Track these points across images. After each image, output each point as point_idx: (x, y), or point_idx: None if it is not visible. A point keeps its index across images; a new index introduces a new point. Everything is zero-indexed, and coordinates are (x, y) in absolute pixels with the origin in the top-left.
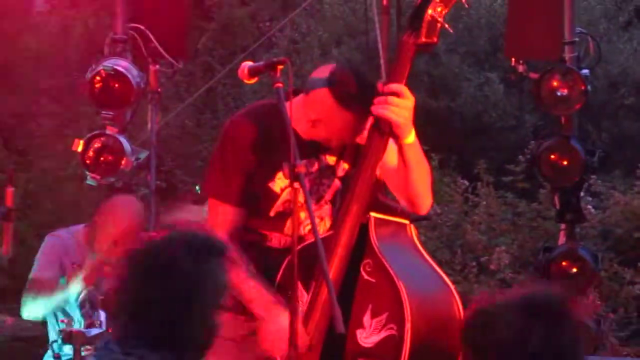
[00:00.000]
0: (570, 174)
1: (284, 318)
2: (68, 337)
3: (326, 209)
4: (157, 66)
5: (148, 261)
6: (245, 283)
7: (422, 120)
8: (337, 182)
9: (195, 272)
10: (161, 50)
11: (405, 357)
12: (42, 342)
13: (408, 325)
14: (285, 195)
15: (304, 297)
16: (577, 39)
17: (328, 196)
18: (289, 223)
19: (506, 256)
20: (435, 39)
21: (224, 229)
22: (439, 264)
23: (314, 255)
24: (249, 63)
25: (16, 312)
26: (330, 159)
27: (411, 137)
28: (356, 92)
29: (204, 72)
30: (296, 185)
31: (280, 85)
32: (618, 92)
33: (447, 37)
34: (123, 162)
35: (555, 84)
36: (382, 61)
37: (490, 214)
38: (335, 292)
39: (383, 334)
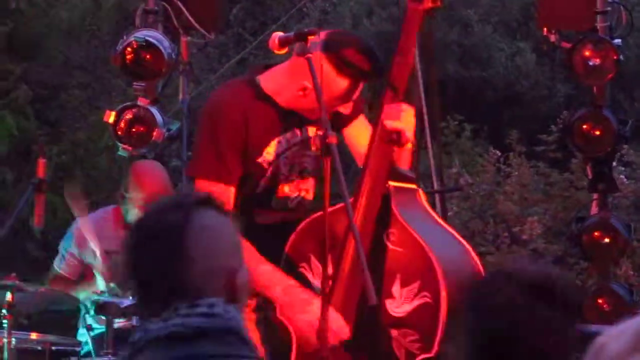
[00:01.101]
0: (603, 144)
1: (314, 305)
2: (101, 308)
3: (310, 182)
4: (189, 37)
5: (140, 224)
6: (258, 267)
7: (454, 90)
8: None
9: (182, 222)
10: (192, 21)
11: (443, 323)
12: (76, 313)
13: (444, 293)
14: (274, 169)
15: (319, 269)
16: (609, 9)
17: (310, 167)
18: (275, 198)
19: (538, 226)
20: (439, 3)
21: None
22: (472, 234)
23: (321, 231)
24: (280, 34)
25: None
26: (312, 130)
27: (409, 144)
28: (352, 57)
29: (235, 44)
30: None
31: (310, 55)
32: None
33: (479, 7)
34: (155, 133)
35: (587, 53)
36: None
37: (522, 184)
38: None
39: (416, 303)
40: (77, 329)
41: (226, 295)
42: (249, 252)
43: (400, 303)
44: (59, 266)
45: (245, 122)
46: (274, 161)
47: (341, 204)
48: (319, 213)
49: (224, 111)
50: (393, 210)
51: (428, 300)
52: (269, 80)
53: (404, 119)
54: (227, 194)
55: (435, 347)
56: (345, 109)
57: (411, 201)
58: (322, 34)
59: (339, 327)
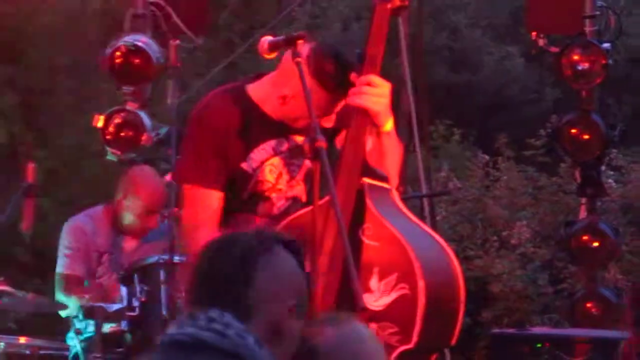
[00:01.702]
0: (591, 148)
1: None
2: (89, 312)
3: (299, 188)
4: (177, 41)
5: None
6: None
7: (443, 94)
8: (307, 163)
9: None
10: (181, 25)
11: (421, 314)
12: (65, 317)
13: (421, 283)
14: (258, 176)
15: None
16: (597, 13)
17: (299, 176)
18: (260, 205)
19: (527, 230)
20: (407, 2)
21: (206, 214)
22: (460, 238)
23: (299, 232)
24: (269, 38)
25: (37, 287)
26: (299, 139)
27: (389, 124)
28: (331, 69)
29: (224, 48)
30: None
31: (300, 60)
32: (639, 66)
33: (468, 11)
34: (143, 137)
35: (575, 57)
36: (402, 35)
37: (511, 188)
38: (340, 263)
39: (394, 295)
40: (66, 333)
41: (267, 333)
42: None
43: (378, 296)
44: (62, 266)
45: (227, 128)
46: (259, 167)
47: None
48: (295, 215)
49: (206, 117)
50: (368, 205)
51: (406, 291)
52: (257, 89)
53: (369, 94)
54: (210, 197)
55: (415, 338)
56: (327, 123)
57: (385, 198)
58: (306, 46)
59: None
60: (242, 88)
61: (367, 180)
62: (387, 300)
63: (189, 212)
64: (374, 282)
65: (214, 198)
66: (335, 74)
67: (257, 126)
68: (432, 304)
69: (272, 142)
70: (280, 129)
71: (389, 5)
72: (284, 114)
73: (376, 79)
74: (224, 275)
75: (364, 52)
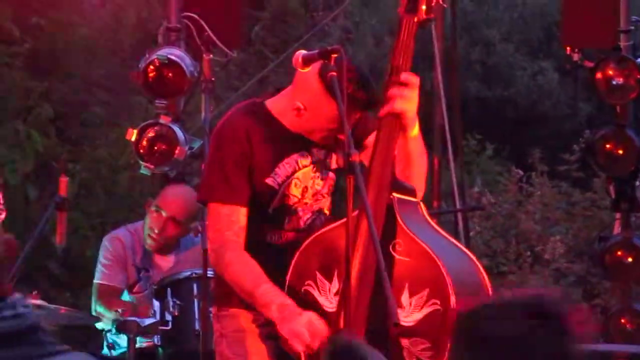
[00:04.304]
0: (626, 163)
1: (299, 320)
2: (122, 326)
3: (324, 201)
4: (211, 55)
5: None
6: (259, 288)
7: (476, 109)
8: (331, 175)
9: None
10: (215, 39)
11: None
12: (96, 330)
13: (453, 298)
14: (284, 191)
15: (325, 285)
16: (632, 27)
17: (325, 189)
18: (287, 219)
19: (561, 246)
20: (432, 15)
21: (232, 231)
22: (494, 253)
23: (328, 246)
24: (303, 52)
25: (70, 300)
26: (321, 153)
27: (416, 129)
28: (350, 87)
29: (257, 61)
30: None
31: (334, 73)
32: None
33: (502, 26)
34: (177, 151)
35: (610, 72)
36: (435, 49)
37: (544, 204)
38: (371, 277)
39: (426, 310)
40: (98, 347)
41: None
42: (253, 271)
43: (409, 312)
44: (99, 277)
45: (250, 145)
46: (284, 182)
47: (343, 220)
48: (322, 230)
49: (230, 135)
50: (398, 221)
51: (437, 307)
52: (276, 103)
53: (404, 97)
54: (238, 215)
55: (446, 354)
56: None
57: (414, 212)
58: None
59: (314, 331)
60: (261, 103)
61: (396, 194)
62: (418, 315)
63: (215, 230)
64: (405, 298)
65: (240, 214)
66: (351, 89)
67: (279, 141)
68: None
69: (296, 156)
70: (301, 142)
71: (415, 19)
72: (300, 127)
73: (413, 79)
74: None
75: (388, 70)
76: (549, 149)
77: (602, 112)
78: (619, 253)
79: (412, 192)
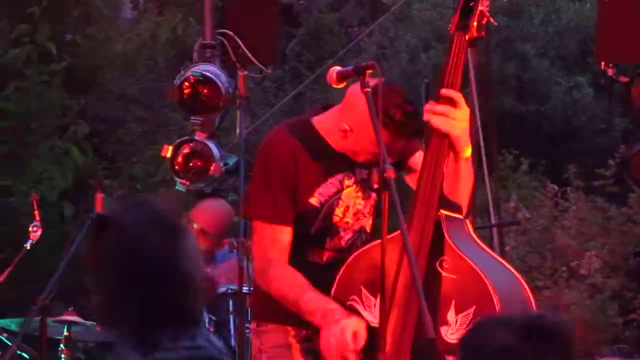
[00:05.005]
0: None
1: (342, 325)
2: None
3: (366, 220)
4: (246, 72)
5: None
6: (304, 295)
7: (512, 124)
8: (373, 195)
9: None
10: (250, 55)
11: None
12: None
13: None
14: (326, 210)
15: (370, 301)
16: None
17: (367, 209)
18: (329, 238)
19: (597, 261)
20: (483, 33)
21: (275, 250)
22: (529, 268)
23: (374, 262)
24: (338, 68)
25: None
26: (364, 172)
27: (469, 150)
28: (394, 112)
29: (292, 78)
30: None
31: (369, 90)
32: None
33: (537, 41)
34: (212, 167)
35: None
36: (470, 65)
37: (580, 219)
38: (415, 294)
39: None
40: None
41: None
42: (298, 281)
43: (455, 329)
44: None
45: (295, 164)
46: (327, 202)
47: (391, 235)
48: (368, 246)
49: (275, 153)
50: (445, 238)
51: None
52: (323, 122)
53: (451, 117)
54: (282, 234)
55: None
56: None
57: (460, 229)
58: (372, 82)
59: (343, 340)
60: (308, 121)
61: (443, 211)
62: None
63: (260, 248)
64: (451, 315)
65: (285, 234)
66: (397, 116)
67: (325, 160)
68: None
69: (340, 176)
70: (346, 162)
71: (467, 37)
72: (346, 147)
73: (460, 98)
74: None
75: (434, 82)
76: (584, 164)
77: (638, 127)
78: None
79: (458, 209)
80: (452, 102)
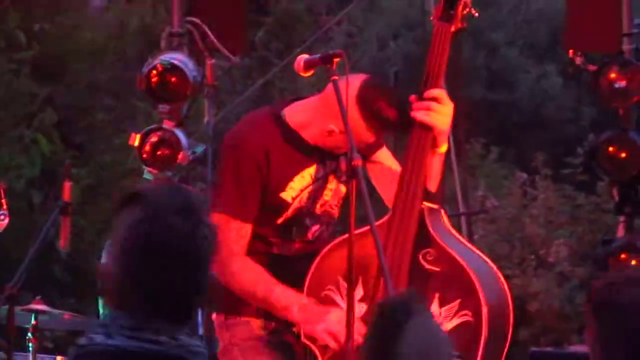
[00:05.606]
0: (629, 167)
1: (330, 318)
2: None
3: (333, 212)
4: (214, 60)
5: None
6: (274, 291)
7: (481, 113)
8: (342, 187)
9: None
10: (218, 44)
11: (484, 340)
12: None
13: (485, 310)
14: (296, 204)
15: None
16: (635, 31)
17: (334, 201)
18: (295, 230)
19: (565, 249)
20: (465, 24)
21: (239, 245)
22: (498, 257)
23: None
24: (305, 56)
25: (74, 306)
26: (333, 164)
27: (445, 146)
28: (385, 113)
29: (260, 66)
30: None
31: (336, 77)
32: None
33: (506, 30)
34: (180, 156)
35: (613, 76)
36: None
37: (548, 207)
38: (398, 282)
39: (456, 321)
40: None
41: None
42: (263, 277)
43: (439, 322)
44: None
45: (267, 159)
46: (298, 196)
47: (368, 227)
48: (345, 236)
49: (246, 148)
50: (429, 230)
51: (469, 318)
52: (295, 114)
53: (437, 112)
54: (245, 230)
55: None
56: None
57: (439, 221)
58: (353, 82)
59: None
60: (277, 113)
61: (427, 204)
62: (448, 326)
63: (223, 241)
64: (434, 308)
65: (247, 230)
66: (386, 114)
67: (296, 154)
68: (492, 329)
69: (311, 170)
70: (317, 155)
71: (452, 28)
72: (328, 144)
73: (444, 96)
74: None
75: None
76: (553, 152)
77: (606, 116)
78: (623, 256)
79: (436, 200)
80: (436, 99)
